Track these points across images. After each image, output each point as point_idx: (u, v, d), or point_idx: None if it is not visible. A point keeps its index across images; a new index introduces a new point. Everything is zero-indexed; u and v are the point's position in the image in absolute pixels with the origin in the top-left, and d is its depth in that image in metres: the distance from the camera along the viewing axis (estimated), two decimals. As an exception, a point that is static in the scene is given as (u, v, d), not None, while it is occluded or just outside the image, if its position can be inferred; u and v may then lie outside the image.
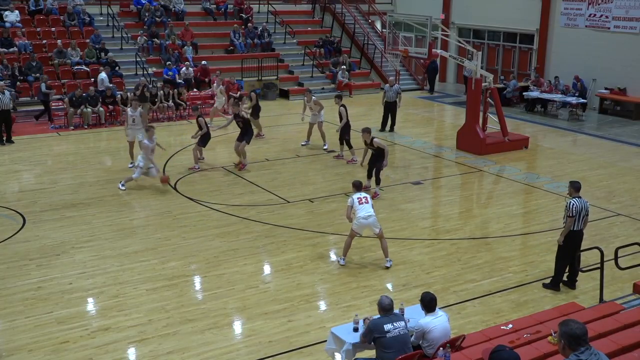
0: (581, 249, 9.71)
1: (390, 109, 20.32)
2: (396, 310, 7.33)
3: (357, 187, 11.30)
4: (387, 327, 6.91)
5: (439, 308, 7.39)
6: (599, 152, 18.58)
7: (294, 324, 9.02)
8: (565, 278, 10.07)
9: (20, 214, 12.86)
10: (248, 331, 8.88)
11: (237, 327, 9.10)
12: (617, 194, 14.81)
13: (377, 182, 14.38)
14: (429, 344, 7.10)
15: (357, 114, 24.03)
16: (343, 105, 16.94)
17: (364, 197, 11.02)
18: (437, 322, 7.13)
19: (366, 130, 14.22)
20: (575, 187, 9.78)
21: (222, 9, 28.08)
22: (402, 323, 7.03)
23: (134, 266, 10.71)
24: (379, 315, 7.13)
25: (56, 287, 9.94)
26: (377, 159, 14.24)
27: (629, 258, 9.50)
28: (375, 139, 14.19)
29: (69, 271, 10.48)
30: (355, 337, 7.28)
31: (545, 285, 10.07)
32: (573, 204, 9.58)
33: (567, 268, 10.02)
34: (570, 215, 9.57)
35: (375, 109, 24.26)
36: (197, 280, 10.46)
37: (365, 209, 10.87)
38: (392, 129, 20.50)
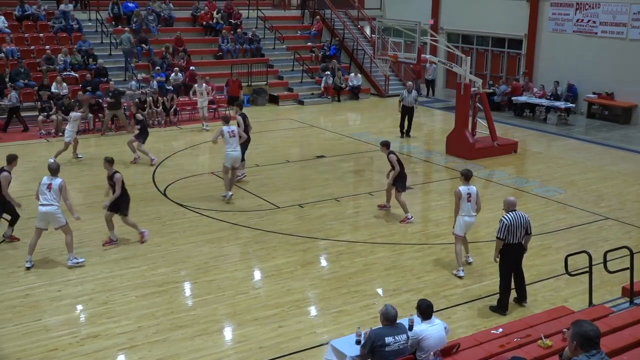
0: (569, 253, 9.71)
1: (408, 113, 20.39)
2: (404, 320, 7.26)
3: (226, 120, 13.67)
4: (388, 339, 6.81)
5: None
6: (587, 156, 18.69)
7: (285, 329, 9.00)
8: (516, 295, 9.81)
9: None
10: (238, 337, 8.86)
11: (228, 333, 9.07)
12: (605, 197, 14.90)
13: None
14: (424, 352, 6.99)
15: (349, 119, 24.16)
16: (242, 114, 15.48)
17: (232, 131, 13.41)
18: (433, 330, 7.06)
19: (383, 144, 13.33)
20: (510, 203, 9.50)
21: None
22: (404, 336, 6.93)
23: (123, 273, 10.66)
24: (381, 325, 7.07)
25: (45, 294, 9.88)
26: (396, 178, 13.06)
27: (617, 261, 9.54)
28: (390, 155, 13.06)
29: (58, 278, 10.41)
30: (356, 350, 7.16)
31: (491, 308, 9.64)
32: (502, 221, 9.30)
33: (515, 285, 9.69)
34: (499, 236, 9.31)
35: (364, 114, 24.34)
36: (187, 287, 10.42)
37: (232, 143, 13.45)
38: (408, 134, 20.52)
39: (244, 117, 15.42)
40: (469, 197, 10.61)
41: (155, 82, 22.48)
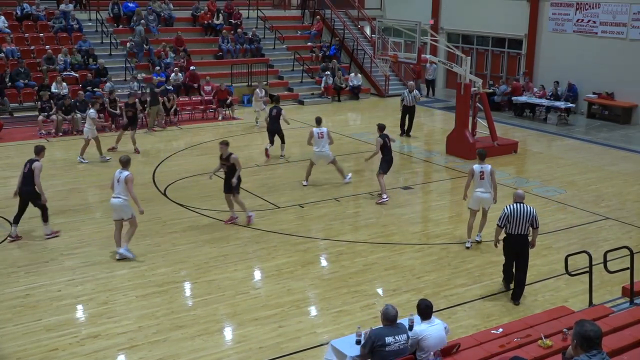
0: (569, 253, 9.73)
1: (408, 112, 20.60)
2: (404, 320, 7.26)
3: (319, 122, 15.10)
4: (389, 339, 6.80)
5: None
6: (588, 156, 18.69)
7: (285, 329, 9.00)
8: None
9: (8, 221, 12.76)
10: (238, 337, 8.86)
11: (228, 333, 9.07)
12: (605, 197, 14.90)
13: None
14: (425, 352, 7.00)
15: (349, 119, 24.16)
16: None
17: (321, 132, 14.75)
18: (432, 330, 7.06)
19: (378, 126, 14.51)
20: (516, 195, 9.91)
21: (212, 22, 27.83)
22: (404, 336, 6.92)
23: (124, 272, 10.66)
24: (381, 325, 7.06)
25: (45, 294, 9.88)
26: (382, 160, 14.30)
27: (617, 261, 9.55)
28: (378, 138, 14.15)
29: (58, 278, 10.41)
30: (356, 350, 7.15)
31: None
32: (503, 210, 9.74)
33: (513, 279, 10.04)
34: (498, 223, 9.81)
35: (364, 114, 24.35)
36: (187, 287, 10.42)
37: (320, 144, 14.69)
38: (408, 134, 20.71)
39: (278, 109, 17.73)
40: (481, 175, 11.64)
41: (135, 84, 22.37)
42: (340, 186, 15.41)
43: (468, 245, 11.76)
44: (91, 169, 16.45)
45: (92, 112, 17.23)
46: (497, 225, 9.82)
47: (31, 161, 11.90)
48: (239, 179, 12.57)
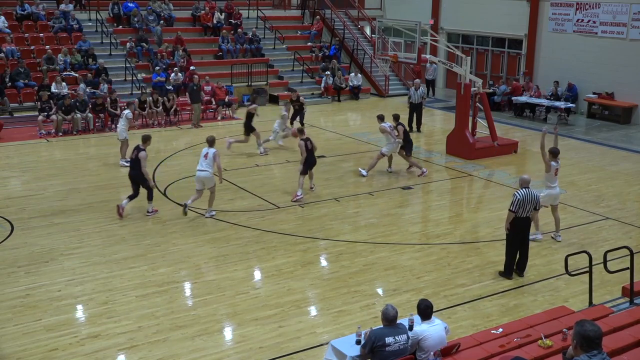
0: (569, 253, 9.73)
1: (415, 109, 21.24)
2: (404, 320, 7.27)
3: (383, 119, 16.11)
4: (389, 340, 6.80)
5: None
6: (588, 156, 18.69)
7: (285, 329, 9.00)
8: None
9: (9, 221, 12.77)
10: (238, 337, 8.86)
11: (228, 333, 9.07)
12: (605, 197, 14.90)
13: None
14: (425, 352, 7.01)
15: (349, 119, 24.17)
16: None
17: (391, 127, 15.73)
18: (433, 331, 7.06)
19: (378, 117, 16.40)
20: (523, 180, 10.64)
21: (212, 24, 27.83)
22: (404, 337, 6.91)
23: (124, 273, 10.66)
24: (381, 326, 7.06)
25: (45, 294, 9.87)
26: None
27: (617, 261, 9.55)
28: (380, 125, 15.98)
29: (58, 278, 10.41)
30: (356, 350, 7.15)
31: (500, 273, 10.63)
32: (515, 196, 10.33)
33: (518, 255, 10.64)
34: (511, 209, 10.32)
35: (364, 114, 24.35)
36: (187, 287, 10.42)
37: (391, 138, 15.69)
38: (418, 129, 21.30)
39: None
40: (556, 172, 12.27)
41: (105, 86, 22.19)
42: (341, 186, 15.41)
43: (538, 237, 12.13)
44: (91, 169, 16.44)
45: (127, 112, 16.75)
46: (510, 210, 10.30)
47: (138, 149, 13.08)
48: (305, 162, 14.14)
